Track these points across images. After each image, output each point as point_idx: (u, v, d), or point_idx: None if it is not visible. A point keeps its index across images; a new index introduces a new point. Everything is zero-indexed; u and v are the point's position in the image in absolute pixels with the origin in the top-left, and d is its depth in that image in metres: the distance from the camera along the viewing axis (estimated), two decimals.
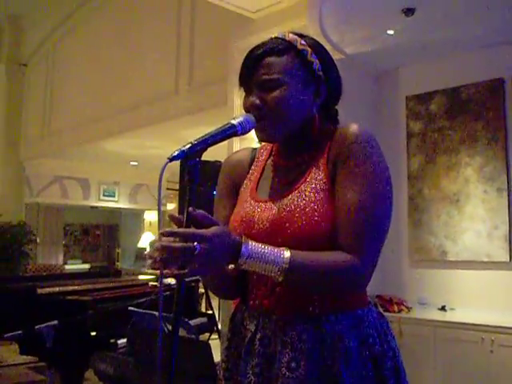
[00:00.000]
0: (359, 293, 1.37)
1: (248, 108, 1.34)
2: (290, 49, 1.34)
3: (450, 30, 4.45)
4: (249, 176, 1.48)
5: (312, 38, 1.40)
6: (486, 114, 4.83)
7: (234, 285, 1.42)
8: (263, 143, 1.50)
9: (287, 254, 1.18)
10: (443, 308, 4.77)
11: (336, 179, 1.30)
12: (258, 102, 1.32)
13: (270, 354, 1.32)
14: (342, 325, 1.29)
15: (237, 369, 1.37)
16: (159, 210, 1.18)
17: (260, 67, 1.33)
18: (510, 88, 4.71)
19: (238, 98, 4.90)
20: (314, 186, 1.30)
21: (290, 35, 1.37)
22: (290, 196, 1.32)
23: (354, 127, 1.32)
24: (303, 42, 1.36)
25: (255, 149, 1.54)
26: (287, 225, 1.28)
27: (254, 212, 1.36)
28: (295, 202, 1.29)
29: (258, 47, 1.35)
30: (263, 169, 1.46)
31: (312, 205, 1.27)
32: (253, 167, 1.49)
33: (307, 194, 1.29)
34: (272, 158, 1.47)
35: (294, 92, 1.31)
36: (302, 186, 1.32)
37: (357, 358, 1.27)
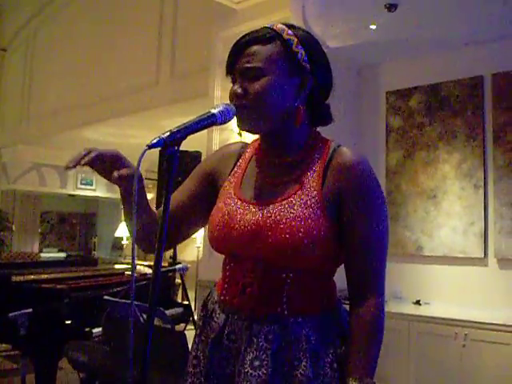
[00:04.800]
0: (328, 294, 1.39)
1: (231, 97, 1.33)
2: (276, 38, 1.31)
3: (431, 26, 4.48)
4: (233, 172, 1.46)
5: (303, 30, 1.38)
6: (464, 111, 4.88)
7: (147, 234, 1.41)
8: (254, 138, 1.49)
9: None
10: (418, 302, 4.83)
11: (344, 216, 1.31)
12: (239, 90, 1.31)
13: (236, 350, 1.33)
14: (308, 327, 1.30)
15: (204, 358, 1.39)
16: (135, 199, 1.17)
17: (244, 55, 1.31)
18: (489, 86, 4.76)
19: (219, 88, 4.89)
20: (304, 201, 1.29)
21: (279, 25, 1.35)
22: (276, 204, 1.31)
23: (353, 158, 1.33)
24: (290, 32, 1.33)
25: (247, 144, 1.53)
26: (269, 233, 1.27)
27: (236, 211, 1.35)
28: (282, 213, 1.28)
29: (245, 36, 1.34)
30: (247, 164, 1.45)
31: (299, 220, 1.26)
32: (238, 163, 1.47)
33: (296, 208, 1.28)
34: (256, 153, 1.45)
35: (276, 83, 1.29)
36: (292, 198, 1.30)
37: (323, 359, 1.29)
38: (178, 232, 1.50)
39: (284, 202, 1.30)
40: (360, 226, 1.30)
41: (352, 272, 1.34)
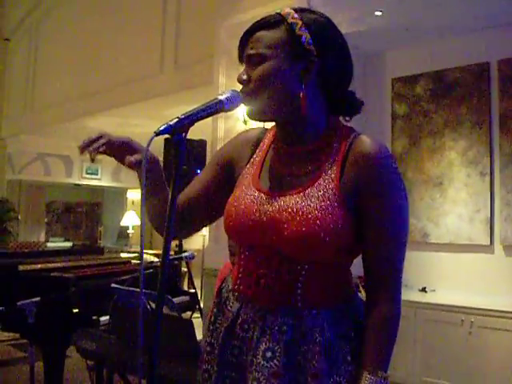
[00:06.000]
0: (344, 285, 1.36)
1: (238, 82, 1.32)
2: (281, 22, 1.28)
3: (437, 12, 4.44)
4: (252, 159, 1.43)
5: (315, 13, 1.33)
6: (470, 98, 4.85)
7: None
8: (274, 124, 1.45)
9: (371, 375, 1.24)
10: (424, 289, 4.83)
11: (363, 208, 1.28)
12: (244, 77, 1.30)
13: (249, 339, 1.31)
14: (323, 319, 1.28)
15: (217, 346, 1.38)
16: (143, 185, 1.17)
17: (250, 42, 1.30)
18: (495, 72, 4.73)
19: (223, 76, 4.88)
20: (322, 193, 1.26)
21: (287, 9, 1.32)
22: (293, 195, 1.28)
23: (372, 147, 1.28)
24: (296, 15, 1.29)
25: (267, 129, 1.49)
26: (285, 226, 1.25)
27: (252, 202, 1.33)
28: (298, 205, 1.25)
29: (254, 23, 1.31)
30: (267, 152, 1.42)
31: (316, 212, 1.23)
32: (257, 150, 1.45)
33: (313, 200, 1.25)
34: (274, 141, 1.42)
35: (277, 67, 1.27)
36: (309, 190, 1.27)
37: (337, 351, 1.27)
38: (196, 220, 1.50)
39: (301, 194, 1.27)
40: (379, 219, 1.27)
41: (369, 264, 1.31)
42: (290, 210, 1.26)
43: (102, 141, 1.29)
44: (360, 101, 1.39)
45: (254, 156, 1.44)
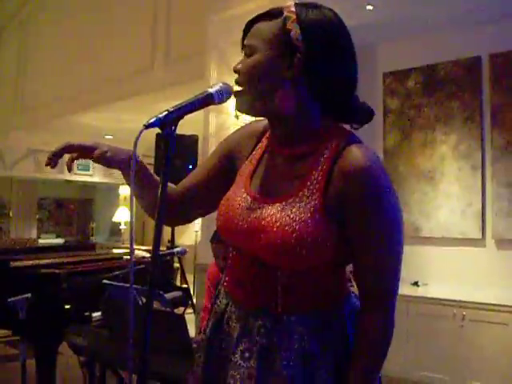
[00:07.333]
0: (330, 291, 1.30)
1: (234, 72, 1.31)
2: (279, 15, 1.25)
3: (428, 7, 4.45)
4: (252, 155, 1.40)
5: (316, 8, 1.26)
6: (462, 92, 4.87)
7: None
8: None
9: None
10: (416, 283, 4.84)
11: (349, 224, 1.22)
12: (238, 66, 1.28)
13: (231, 337, 1.32)
14: (303, 325, 1.25)
15: (206, 338, 1.39)
16: (132, 180, 1.17)
17: (248, 33, 1.29)
18: (487, 66, 4.74)
19: (214, 71, 4.86)
20: (303, 204, 1.21)
21: (289, 2, 1.29)
22: (276, 204, 1.25)
23: (361, 162, 1.20)
24: (293, 9, 1.25)
25: None
26: (262, 235, 1.23)
27: (239, 206, 1.31)
28: (278, 215, 1.22)
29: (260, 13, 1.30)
30: (266, 149, 1.38)
31: (294, 225, 1.19)
32: (258, 145, 1.41)
33: (293, 211, 1.21)
34: (268, 140, 1.39)
35: (262, 60, 1.24)
36: (292, 200, 1.23)
37: (318, 360, 1.24)
38: (191, 209, 1.50)
39: (283, 203, 1.24)
40: (368, 238, 1.23)
41: (361, 281, 1.27)
42: (269, 219, 1.23)
43: (61, 146, 1.33)
44: (368, 108, 1.33)
45: (254, 152, 1.41)
